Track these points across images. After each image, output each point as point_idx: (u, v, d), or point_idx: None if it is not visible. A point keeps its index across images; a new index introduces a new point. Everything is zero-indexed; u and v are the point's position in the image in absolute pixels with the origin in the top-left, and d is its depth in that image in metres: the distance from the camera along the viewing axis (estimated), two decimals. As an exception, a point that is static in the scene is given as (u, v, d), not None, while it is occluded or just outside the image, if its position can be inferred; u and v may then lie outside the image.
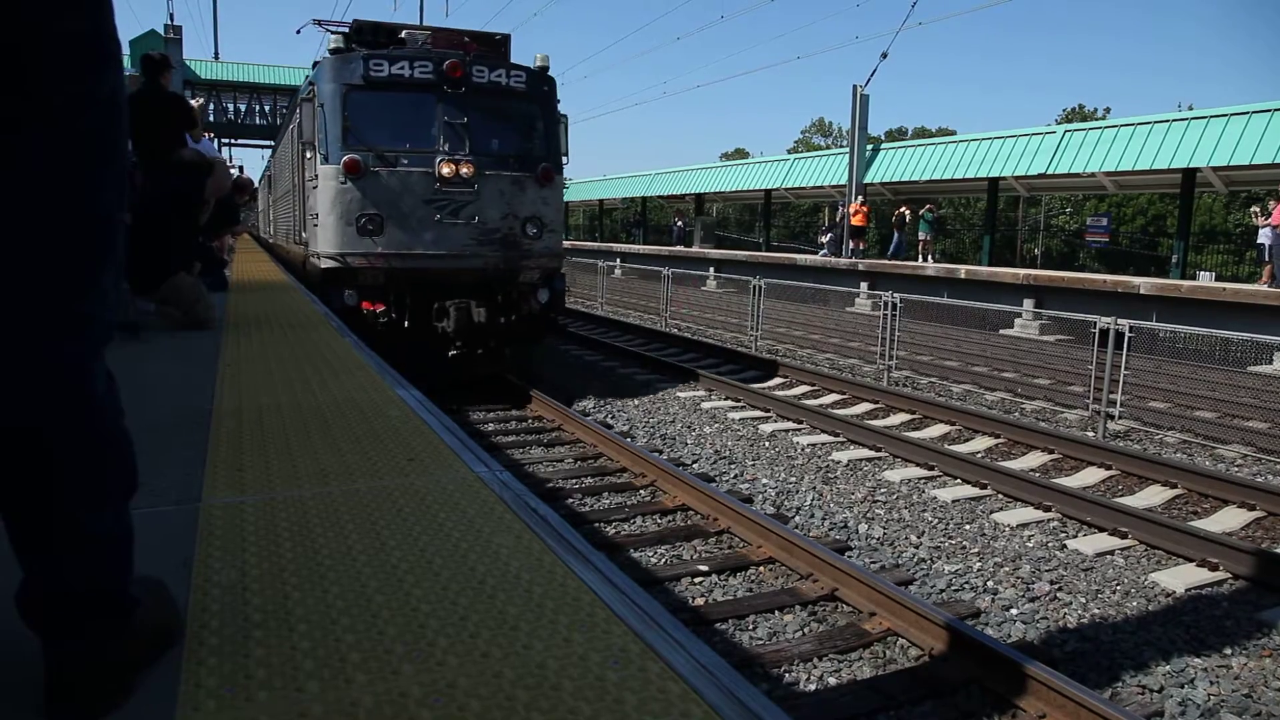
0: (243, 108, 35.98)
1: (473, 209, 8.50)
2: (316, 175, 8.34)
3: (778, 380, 10.89)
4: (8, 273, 1.10)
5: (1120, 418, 8.53)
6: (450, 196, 8.38)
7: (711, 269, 26.89)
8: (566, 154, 9.35)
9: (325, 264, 8.25)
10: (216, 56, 36.53)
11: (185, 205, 5.49)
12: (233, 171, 11.29)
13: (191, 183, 5.68)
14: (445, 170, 8.26)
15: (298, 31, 31.30)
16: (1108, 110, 47.23)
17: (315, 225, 8.50)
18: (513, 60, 9.23)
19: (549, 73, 9.30)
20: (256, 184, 24.54)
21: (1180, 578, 4.91)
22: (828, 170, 28.07)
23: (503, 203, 8.66)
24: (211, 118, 33.56)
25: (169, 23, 31.43)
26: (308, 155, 8.86)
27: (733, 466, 7.11)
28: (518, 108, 9.06)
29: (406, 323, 8.46)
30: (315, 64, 9.13)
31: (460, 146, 8.45)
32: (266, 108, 35.52)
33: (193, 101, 9.67)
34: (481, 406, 8.86)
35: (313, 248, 8.82)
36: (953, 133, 40.30)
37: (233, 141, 37.02)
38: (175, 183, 5.45)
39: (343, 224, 8.10)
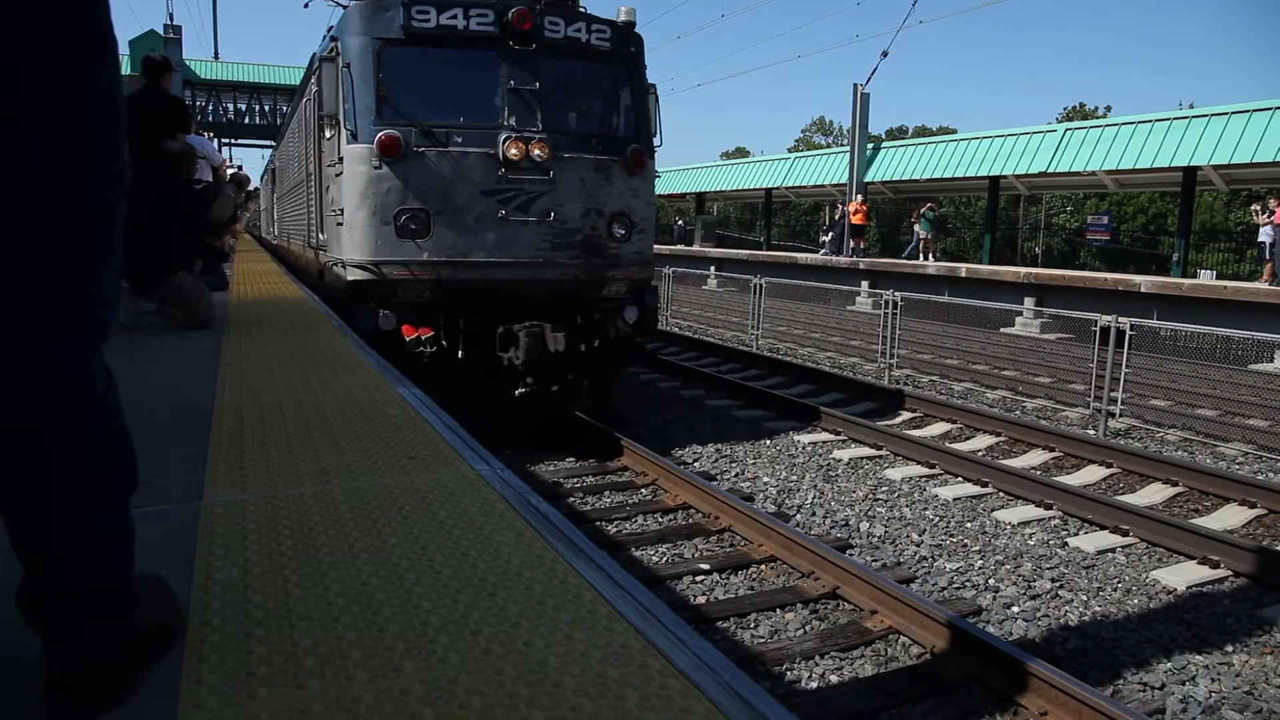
0: (242, 107, 35.99)
1: (547, 203, 6.60)
2: (341, 158, 6.47)
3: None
4: (6, 272, 1.10)
5: (1121, 416, 8.52)
6: (518, 186, 6.49)
7: (712, 268, 26.91)
8: (659, 135, 7.38)
9: (353, 275, 6.37)
10: (216, 56, 36.55)
11: (181, 203, 5.47)
12: (231, 169, 11.25)
13: (185, 180, 5.66)
14: (512, 152, 6.37)
15: (306, 5, 30.31)
16: (1108, 109, 47.21)
17: (339, 224, 6.61)
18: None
19: (635, 29, 7.36)
20: (258, 183, 24.52)
21: (1181, 575, 4.91)
22: (828, 169, 28.07)
23: (583, 194, 6.77)
24: (211, 117, 33.59)
25: (168, 23, 31.44)
26: (327, 134, 6.98)
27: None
28: (600, 72, 7.12)
29: (460, 352, 6.57)
30: (342, 10, 6.91)
31: (530, 120, 6.53)
32: (266, 107, 35.52)
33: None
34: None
35: (334, 253, 6.90)
36: (953, 131, 40.28)
37: (233, 141, 37.05)
38: (170, 181, 5.44)
39: (376, 222, 6.26)
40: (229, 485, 2.22)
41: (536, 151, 6.44)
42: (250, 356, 4.27)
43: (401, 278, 6.37)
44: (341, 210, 6.49)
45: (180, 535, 1.85)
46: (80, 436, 1.19)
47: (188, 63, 31.93)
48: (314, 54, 7.95)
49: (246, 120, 35.96)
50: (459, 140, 6.38)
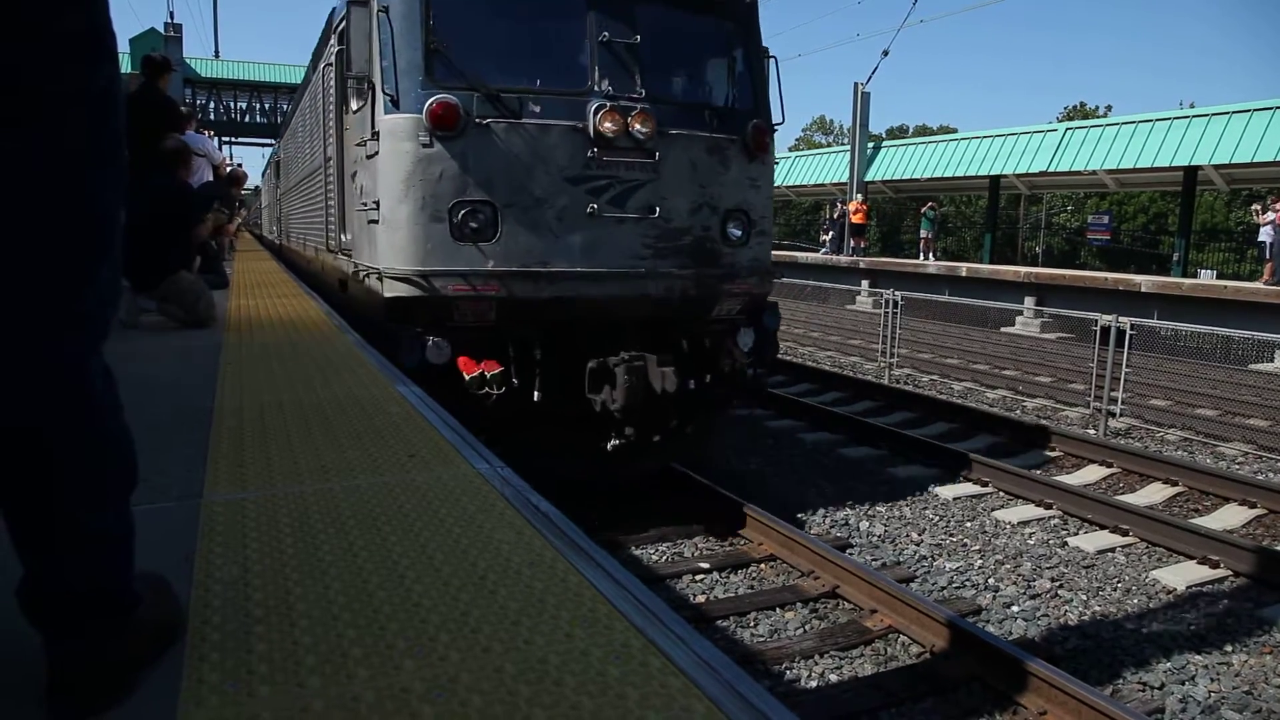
0: (243, 106, 35.97)
1: (649, 194, 5.10)
2: (376, 134, 4.95)
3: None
4: (5, 272, 1.10)
5: (1121, 415, 8.53)
6: (613, 173, 5.02)
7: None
8: (781, 111, 5.86)
9: (392, 290, 4.85)
10: (217, 55, 36.54)
11: (176, 203, 5.45)
12: (229, 166, 11.19)
13: (180, 180, 5.65)
14: (607, 125, 4.90)
15: None
16: (1109, 108, 47.15)
17: (372, 222, 5.12)
18: None
19: None
20: (259, 180, 24.48)
21: (1181, 575, 4.91)
22: (829, 168, 28.07)
23: (694, 184, 5.28)
24: (212, 116, 33.59)
25: (169, 21, 31.43)
26: (354, 106, 5.44)
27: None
28: (712, 27, 5.70)
29: (536, 394, 5.05)
30: None
31: (628, 84, 5.07)
32: (267, 105, 35.51)
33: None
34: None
35: (364, 259, 5.44)
36: (954, 130, 40.26)
37: (233, 140, 37.03)
38: (165, 180, 5.44)
39: (426, 219, 4.77)
40: (229, 483, 2.22)
41: (638, 126, 4.97)
42: (250, 355, 4.27)
43: (459, 294, 4.80)
44: (376, 203, 4.99)
45: (180, 534, 1.85)
46: (80, 435, 1.19)
47: (188, 61, 31.93)
48: (334, 8, 6.39)
49: (247, 119, 35.95)
50: (536, 110, 4.87)
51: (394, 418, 2.98)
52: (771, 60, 5.86)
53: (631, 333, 5.20)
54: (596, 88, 5.00)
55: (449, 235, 4.79)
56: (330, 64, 6.43)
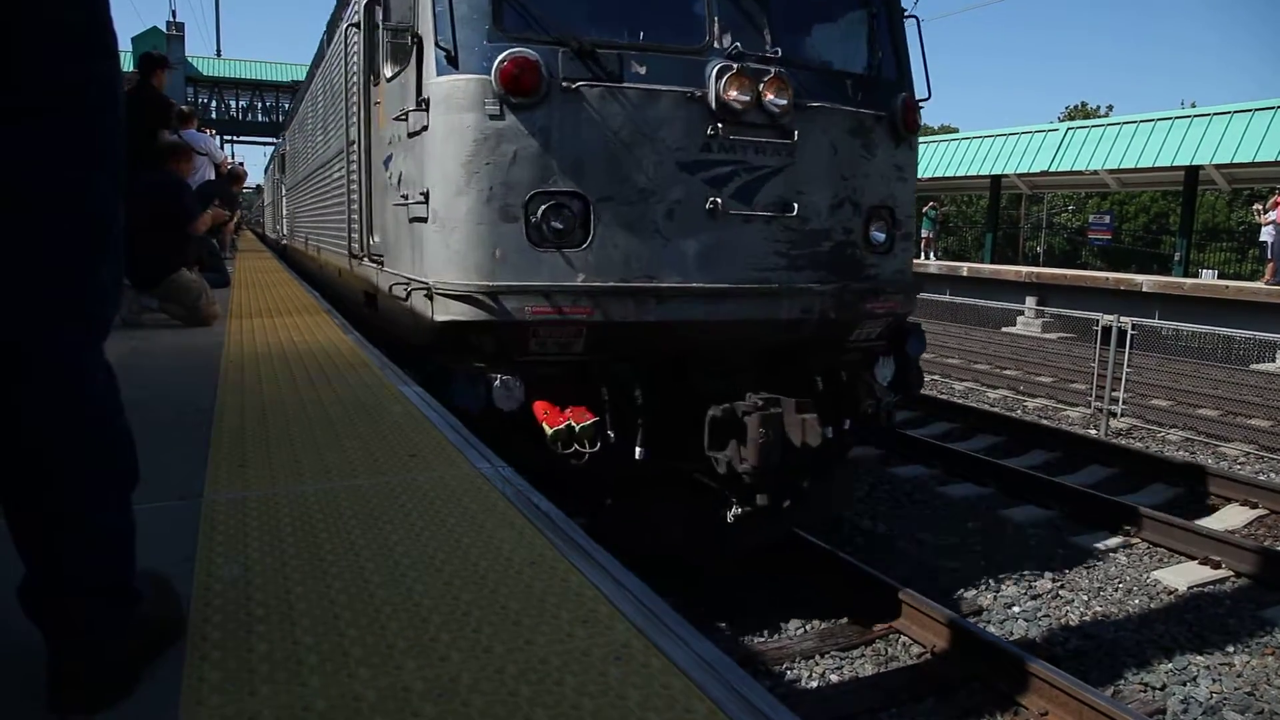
0: (245, 104, 35.99)
1: (783, 186, 4.01)
2: (423, 102, 3.85)
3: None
4: (5, 270, 1.10)
5: (1123, 415, 8.52)
6: (740, 156, 3.91)
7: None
8: (928, 85, 4.68)
9: (446, 312, 3.76)
10: (219, 53, 36.59)
11: (170, 199, 5.44)
12: (230, 164, 11.14)
13: (176, 178, 5.65)
14: (733, 94, 3.80)
15: None
16: (1110, 108, 47.05)
17: (417, 220, 4.03)
18: None
19: None
20: (262, 179, 24.45)
21: (1182, 575, 4.91)
22: (830, 168, 27.95)
23: (835, 173, 4.19)
24: (214, 114, 33.61)
25: (171, 19, 31.47)
26: (389, 73, 4.45)
27: None
28: None
29: (639, 449, 3.95)
30: None
31: (758, 42, 3.99)
32: (269, 104, 35.52)
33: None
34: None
35: (403, 268, 4.30)
36: (955, 130, 40.20)
37: (235, 139, 37.06)
38: (158, 176, 5.43)
39: (494, 216, 3.69)
40: (231, 482, 2.22)
41: (772, 95, 3.86)
42: (252, 354, 4.27)
43: (540, 317, 3.67)
44: (424, 195, 3.86)
45: (182, 532, 1.85)
46: (81, 433, 1.19)
47: (190, 60, 31.95)
48: None
49: (249, 117, 35.97)
50: (640, 71, 3.76)
51: (396, 417, 2.98)
52: (912, 20, 4.73)
53: (750, 366, 4.18)
54: (717, 44, 3.88)
55: (525, 238, 3.67)
56: (355, 23, 5.33)
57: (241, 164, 13.63)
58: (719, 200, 3.84)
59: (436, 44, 3.75)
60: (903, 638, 4.08)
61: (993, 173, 22.00)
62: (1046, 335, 15.76)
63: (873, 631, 4.13)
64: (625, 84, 3.73)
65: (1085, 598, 4.66)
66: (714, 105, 3.79)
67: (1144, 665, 3.96)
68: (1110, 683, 3.80)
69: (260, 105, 35.78)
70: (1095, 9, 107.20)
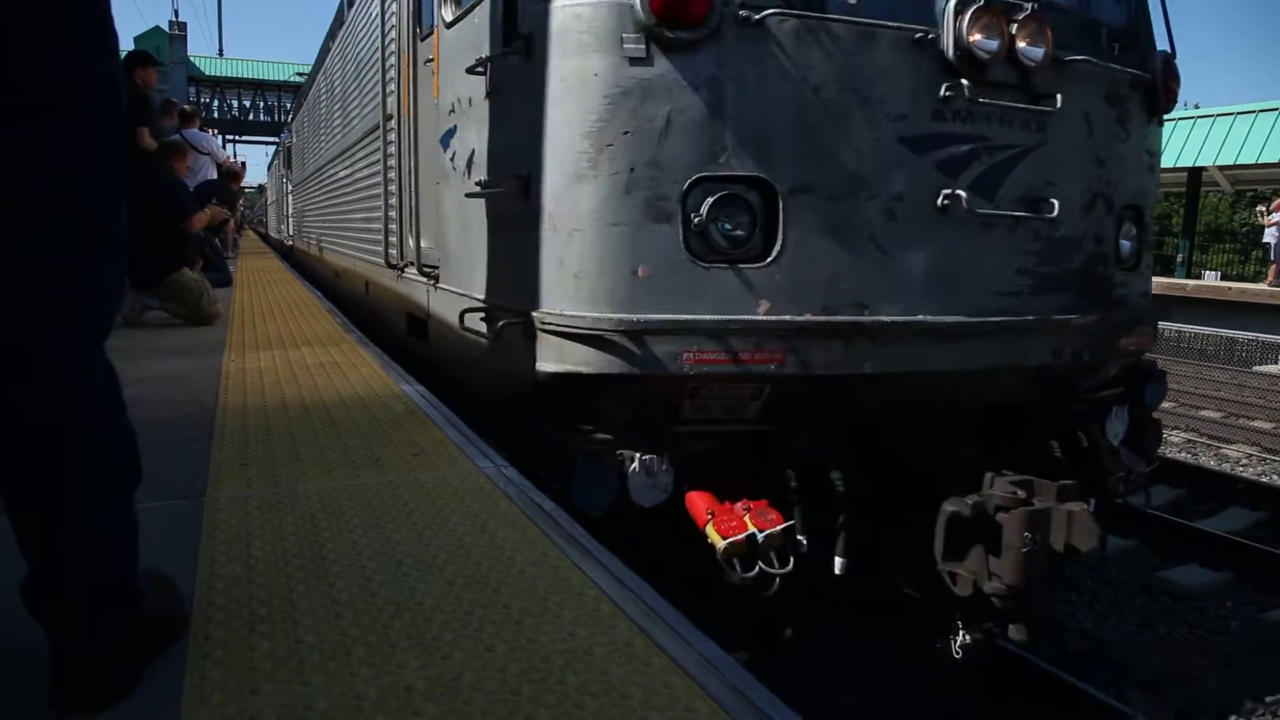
0: (247, 104, 36.04)
1: (1033, 172, 2.78)
2: (523, 40, 2.65)
3: None
4: (6, 269, 1.10)
5: (1125, 417, 8.49)
6: (978, 129, 2.67)
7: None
8: (1171, 45, 3.43)
9: (557, 360, 2.58)
10: (221, 53, 36.65)
11: (165, 198, 5.44)
12: (228, 163, 11.12)
13: (168, 174, 5.65)
14: (978, 37, 2.57)
15: None
16: (1113, 109, 46.99)
17: (509, 217, 2.82)
18: None
19: None
20: (264, 177, 24.45)
21: (1185, 577, 4.90)
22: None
23: (1089, 156, 2.97)
24: (216, 114, 33.66)
25: (173, 19, 31.52)
26: (447, 14, 3.43)
27: None
28: None
29: (839, 560, 2.93)
30: None
31: None
32: (271, 103, 35.57)
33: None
34: None
35: (477, 287, 3.16)
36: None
37: (237, 138, 37.11)
38: (151, 175, 5.44)
39: (635, 212, 2.47)
40: (233, 481, 2.22)
41: (1026, 43, 2.68)
42: (254, 353, 4.27)
43: (705, 368, 2.48)
44: (523, 180, 2.68)
45: (184, 531, 1.86)
46: (82, 432, 1.19)
47: (192, 59, 32.00)
48: None
49: (251, 117, 36.02)
50: (849, 1, 2.62)
51: (398, 416, 2.99)
52: None
53: (969, 431, 3.09)
54: None
55: (682, 248, 2.47)
56: None
57: (243, 165, 13.57)
58: (960, 194, 2.60)
59: None
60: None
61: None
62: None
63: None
64: (830, 15, 2.54)
65: (1087, 599, 4.65)
66: (950, 53, 2.58)
67: (1145, 666, 3.95)
68: (1111, 684, 3.80)
69: (262, 105, 35.84)
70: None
